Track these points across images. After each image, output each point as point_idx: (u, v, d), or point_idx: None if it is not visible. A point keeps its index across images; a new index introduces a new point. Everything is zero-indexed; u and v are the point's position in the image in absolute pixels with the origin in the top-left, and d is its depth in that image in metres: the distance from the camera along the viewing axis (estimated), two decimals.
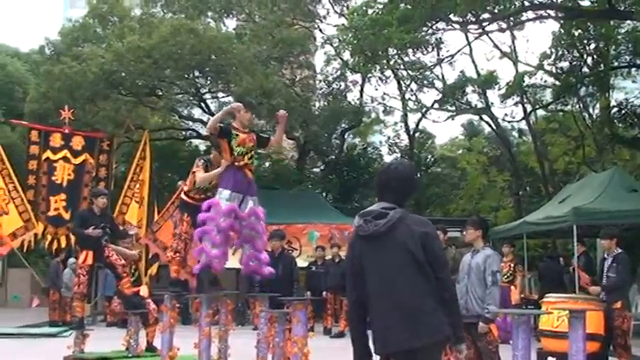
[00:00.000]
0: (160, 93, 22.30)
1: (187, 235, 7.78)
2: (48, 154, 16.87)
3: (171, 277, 8.02)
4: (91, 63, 19.62)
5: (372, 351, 3.79)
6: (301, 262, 15.70)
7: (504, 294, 12.72)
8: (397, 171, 3.86)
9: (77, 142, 17.19)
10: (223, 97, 25.04)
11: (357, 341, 3.79)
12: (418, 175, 4.46)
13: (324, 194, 26.90)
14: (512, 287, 14.06)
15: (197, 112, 26.76)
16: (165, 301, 7.90)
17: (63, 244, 16.88)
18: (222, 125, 7.30)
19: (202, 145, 29.19)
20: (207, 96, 24.89)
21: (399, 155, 31.90)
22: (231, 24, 26.15)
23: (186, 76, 21.68)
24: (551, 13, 19.03)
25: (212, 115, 25.37)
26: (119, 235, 10.43)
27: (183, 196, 8.31)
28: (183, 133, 28.04)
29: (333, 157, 28.85)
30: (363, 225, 3.72)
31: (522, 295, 14.74)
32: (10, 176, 16.51)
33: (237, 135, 7.18)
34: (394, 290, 3.57)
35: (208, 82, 22.77)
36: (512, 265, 14.30)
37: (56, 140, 17.00)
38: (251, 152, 7.27)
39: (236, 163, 7.12)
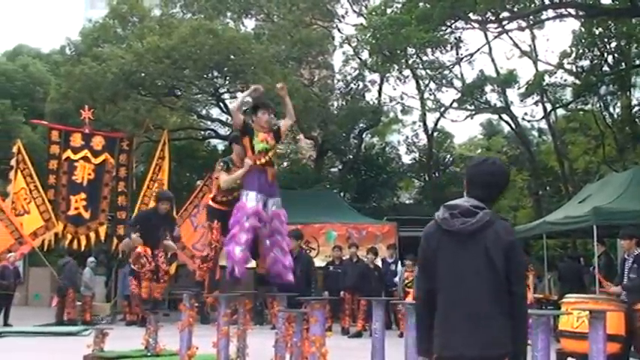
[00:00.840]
0: (179, 93, 22.39)
1: (218, 243, 7.63)
2: (68, 153, 17.02)
3: (197, 279, 7.98)
4: (111, 63, 19.73)
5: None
6: (319, 262, 15.71)
7: None
8: (492, 167, 3.68)
9: (97, 142, 17.34)
10: None
11: (422, 335, 3.69)
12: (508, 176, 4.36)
13: (341, 194, 26.89)
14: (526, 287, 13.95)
15: (215, 112, 26.85)
16: (184, 300, 7.92)
17: (83, 243, 17.02)
18: (247, 122, 7.41)
19: (221, 144, 29.28)
20: (226, 96, 24.93)
21: (417, 155, 31.86)
22: (249, 24, 26.24)
23: (205, 76, 21.75)
24: (572, 11, 18.91)
25: (230, 115, 25.46)
26: (172, 240, 10.67)
27: (210, 202, 8.17)
28: (202, 133, 28.14)
29: (351, 156, 28.84)
30: (448, 219, 3.55)
31: (534, 295, 14.62)
32: (32, 176, 16.70)
33: (257, 132, 7.33)
34: (466, 294, 3.45)
35: (227, 82, 22.83)
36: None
37: (76, 140, 17.14)
38: (272, 150, 7.39)
39: (257, 162, 7.21)
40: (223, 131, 26.81)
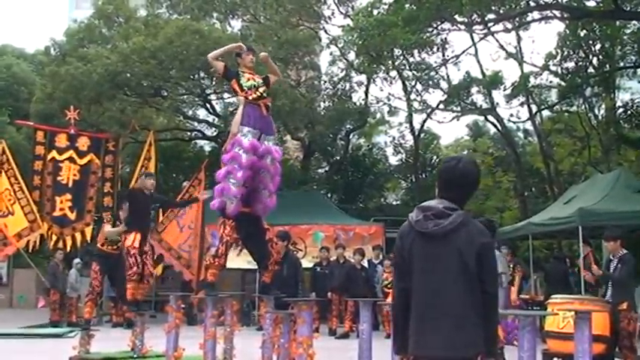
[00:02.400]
0: (165, 94, 22.33)
1: (230, 238, 7.54)
2: (54, 154, 16.92)
3: (207, 279, 7.74)
4: (97, 64, 19.65)
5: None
6: (306, 263, 15.69)
7: (505, 295, 12.72)
8: (463, 168, 3.67)
9: (83, 143, 17.24)
10: (228, 97, 25.05)
11: (398, 333, 3.71)
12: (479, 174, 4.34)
13: (329, 195, 26.90)
14: (512, 288, 14.03)
15: (202, 113, 26.79)
16: (171, 301, 7.90)
17: (69, 244, 16.93)
18: (227, 66, 7.76)
19: (207, 146, 29.24)
20: (213, 97, 24.89)
21: (403, 156, 31.92)
22: (236, 25, 26.19)
23: (191, 76, 21.70)
24: (557, 13, 19.01)
25: (217, 116, 25.47)
26: (176, 205, 10.69)
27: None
28: (188, 133, 28.08)
29: (338, 157, 28.86)
30: (421, 220, 3.59)
31: (520, 296, 14.70)
32: (16, 176, 16.57)
33: (243, 73, 7.64)
34: (439, 296, 3.48)
35: (213, 83, 22.78)
36: (511, 265, 14.27)
37: (62, 141, 17.05)
38: (262, 87, 7.59)
39: (250, 97, 7.43)
40: (210, 132, 26.77)
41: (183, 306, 8.02)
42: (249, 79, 7.52)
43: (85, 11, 33.63)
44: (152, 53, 19.43)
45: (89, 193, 17.22)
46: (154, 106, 23.00)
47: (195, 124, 27.31)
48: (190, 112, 26.43)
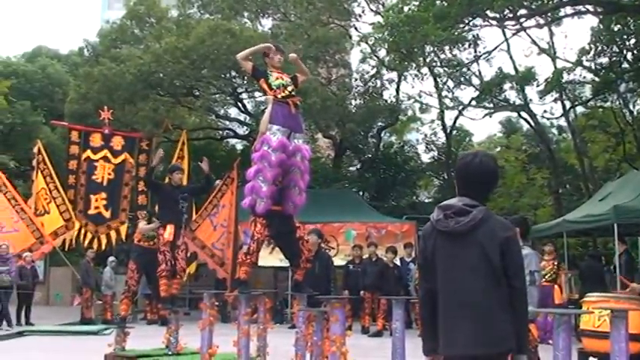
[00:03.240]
0: (197, 93, 22.48)
1: (261, 236, 7.46)
2: (88, 153, 17.14)
3: (240, 277, 7.63)
4: (130, 64, 19.85)
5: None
6: (338, 261, 15.71)
7: (547, 293, 12.56)
8: (481, 164, 3.62)
9: (117, 142, 17.43)
10: (260, 96, 25.13)
11: (426, 334, 3.69)
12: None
13: (360, 193, 26.87)
14: (556, 286, 13.75)
15: (234, 112, 26.95)
16: (205, 299, 7.95)
17: (104, 242, 17.14)
18: (255, 66, 7.69)
19: (239, 144, 29.37)
20: (244, 95, 25.02)
21: (435, 154, 31.76)
22: (267, 24, 26.27)
23: (222, 76, 21.83)
24: (590, 8, 18.76)
25: (248, 114, 25.56)
26: (206, 187, 10.72)
27: None
28: (220, 132, 28.24)
29: (370, 155, 28.80)
30: (442, 219, 3.55)
31: (563, 296, 14.48)
32: (52, 176, 16.82)
33: (271, 72, 7.55)
34: (464, 294, 3.43)
35: (245, 81, 22.88)
36: (554, 263, 14.00)
37: (96, 140, 17.25)
38: (290, 86, 7.52)
39: (278, 96, 7.36)
40: (242, 131, 26.90)
41: (216, 303, 8.06)
42: (277, 78, 7.49)
43: (117, 12, 34.02)
44: (184, 53, 19.57)
45: (124, 191, 17.41)
46: (186, 105, 23.17)
47: (227, 122, 27.48)
48: (222, 111, 26.61)
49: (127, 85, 19.86)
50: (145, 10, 23.62)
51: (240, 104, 25.36)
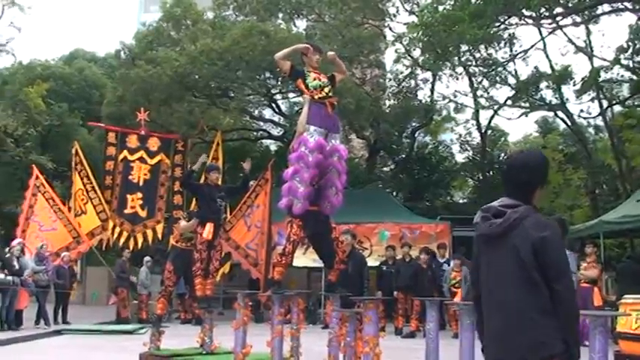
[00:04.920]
0: (232, 94, 22.62)
1: (297, 237, 7.38)
2: (125, 154, 17.33)
3: (274, 278, 7.63)
4: (165, 66, 20.03)
5: None
6: (372, 262, 15.66)
7: (586, 295, 12.39)
8: (518, 160, 3.49)
9: (153, 143, 17.60)
10: (294, 97, 25.24)
11: (480, 336, 3.60)
12: (547, 165, 3.95)
13: (394, 193, 26.79)
14: (596, 288, 13.47)
15: (268, 113, 27.05)
16: (239, 299, 7.98)
17: (140, 241, 17.32)
18: (294, 66, 7.63)
19: (273, 145, 29.47)
20: (278, 97, 25.11)
21: (470, 153, 31.54)
22: (301, 25, 26.36)
23: (257, 77, 21.94)
24: (628, 5, 18.51)
25: (283, 115, 25.64)
26: (242, 187, 10.84)
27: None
28: (255, 133, 28.37)
29: (404, 155, 28.70)
30: (480, 223, 3.47)
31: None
32: (89, 177, 17.07)
33: (309, 72, 7.52)
34: (502, 298, 3.31)
35: (279, 82, 22.97)
36: (595, 265, 13.74)
37: (133, 141, 17.44)
38: (327, 87, 7.48)
39: (315, 97, 7.33)
40: (276, 132, 26.98)
41: (250, 304, 8.09)
42: (315, 79, 7.46)
43: (153, 14, 34.40)
44: (219, 55, 19.70)
45: (160, 191, 17.58)
46: (221, 106, 23.31)
47: (261, 123, 27.59)
48: (256, 112, 26.72)
49: (163, 86, 20.06)
50: (181, 13, 23.82)
51: (274, 105, 25.46)
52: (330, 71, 7.87)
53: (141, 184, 17.32)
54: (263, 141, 29.58)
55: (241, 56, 19.85)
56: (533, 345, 3.22)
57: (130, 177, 17.32)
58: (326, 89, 7.46)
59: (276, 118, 26.70)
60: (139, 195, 17.26)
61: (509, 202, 3.41)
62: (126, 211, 17.14)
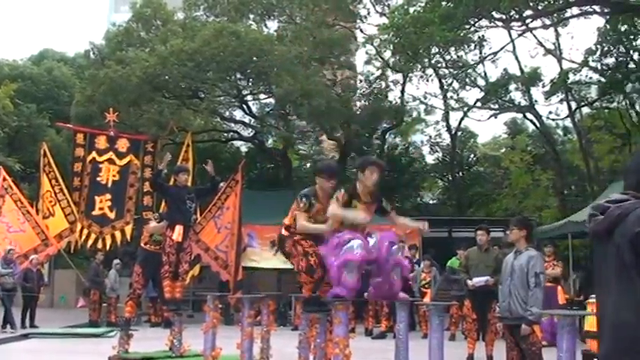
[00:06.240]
0: (203, 95, 22.49)
1: (311, 248, 6.50)
2: (94, 155, 17.15)
3: (305, 295, 6.73)
4: (135, 67, 19.88)
5: None
6: None
7: (551, 294, 12.54)
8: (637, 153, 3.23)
9: (122, 144, 17.44)
10: (264, 98, 25.19)
11: None
12: None
13: None
14: (559, 287, 13.71)
15: (239, 114, 26.94)
16: (208, 301, 7.95)
17: (108, 243, 17.15)
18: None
19: (244, 146, 29.39)
20: (249, 97, 25.02)
21: (440, 155, 31.74)
22: (272, 26, 26.26)
23: (228, 78, 21.85)
24: (597, 8, 18.72)
25: (253, 116, 25.57)
26: (211, 189, 10.72)
27: (283, 230, 6.82)
28: (225, 135, 28.24)
29: (374, 156, 28.74)
30: (587, 220, 3.18)
31: (567, 296, 14.46)
32: (57, 178, 16.88)
33: (359, 200, 6.43)
34: (607, 301, 3.07)
35: (250, 83, 22.90)
36: (555, 264, 13.99)
37: (102, 143, 17.27)
38: (361, 226, 6.45)
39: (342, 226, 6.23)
40: (247, 133, 26.90)
41: (220, 306, 8.06)
42: (360, 214, 6.43)
43: (123, 15, 34.08)
44: (189, 55, 19.61)
45: (129, 193, 17.42)
46: (191, 107, 23.19)
47: (232, 125, 27.47)
48: (227, 113, 26.60)
49: (133, 87, 19.90)
50: (151, 13, 23.67)
51: (245, 106, 25.36)
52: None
53: (109, 185, 17.15)
54: (234, 142, 29.45)
55: (212, 57, 19.76)
56: (626, 351, 2.99)
57: (99, 178, 17.14)
58: (359, 228, 6.45)
59: (247, 119, 26.60)
60: (108, 196, 17.09)
61: (618, 197, 3.12)
62: (94, 213, 16.95)
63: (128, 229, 17.38)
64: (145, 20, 23.78)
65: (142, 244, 11.19)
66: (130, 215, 17.47)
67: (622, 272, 2.96)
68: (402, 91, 27.65)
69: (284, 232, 6.79)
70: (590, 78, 24.57)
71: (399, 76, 26.60)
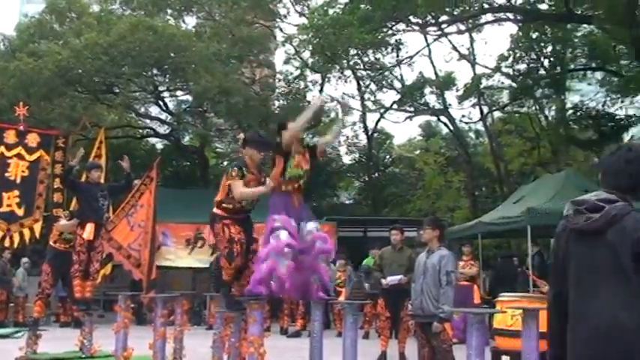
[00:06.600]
0: (117, 90, 22.04)
1: (240, 235, 6.56)
2: (2, 150, 16.54)
3: (225, 280, 6.54)
4: (48, 60, 19.31)
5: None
6: None
7: (466, 293, 12.84)
8: (627, 154, 3.20)
9: (32, 139, 16.83)
10: (182, 95, 24.87)
11: (551, 341, 3.41)
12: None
13: None
14: (475, 286, 14.00)
15: (154, 111, 26.49)
16: (120, 301, 7.80)
17: (16, 241, 16.59)
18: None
19: (160, 143, 28.93)
20: (165, 94, 24.65)
21: (357, 155, 32.05)
22: (190, 22, 25.98)
23: (144, 73, 21.46)
24: (510, 15, 19.32)
25: (170, 113, 25.20)
26: (126, 186, 10.48)
27: (215, 209, 6.72)
28: (140, 131, 27.73)
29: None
30: (571, 215, 3.19)
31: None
32: None
33: (295, 155, 6.37)
34: (593, 302, 3.06)
35: (167, 79, 22.57)
36: (472, 263, 14.32)
37: (10, 137, 16.63)
38: (302, 179, 6.41)
39: (282, 188, 6.31)
40: (162, 130, 26.49)
41: (132, 305, 7.92)
42: (297, 165, 6.37)
43: (36, 6, 32.99)
44: (104, 49, 19.17)
45: (38, 189, 16.84)
46: (105, 102, 22.70)
47: (148, 121, 26.98)
48: (142, 110, 26.10)
49: (45, 81, 19.31)
50: (65, 5, 23.01)
51: (161, 103, 24.97)
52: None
53: (18, 181, 16.54)
54: (149, 139, 28.94)
55: (127, 51, 19.38)
56: (623, 356, 2.99)
57: (7, 174, 16.50)
58: (300, 181, 6.42)
59: (163, 115, 26.18)
60: (16, 193, 16.47)
61: (608, 197, 3.14)
62: (1, 210, 16.31)
63: (37, 227, 16.82)
64: (58, 12, 23.09)
65: (52, 243, 10.89)
66: (39, 212, 16.91)
67: (618, 274, 3.00)
68: (321, 92, 27.75)
69: (215, 209, 6.74)
70: (502, 83, 25.34)
71: (317, 77, 26.72)
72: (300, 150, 6.47)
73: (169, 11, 24.46)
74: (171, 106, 25.81)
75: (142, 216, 16.10)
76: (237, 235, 6.51)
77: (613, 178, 3.21)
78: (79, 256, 9.15)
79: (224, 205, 6.67)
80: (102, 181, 10.20)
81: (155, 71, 21.74)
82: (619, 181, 3.18)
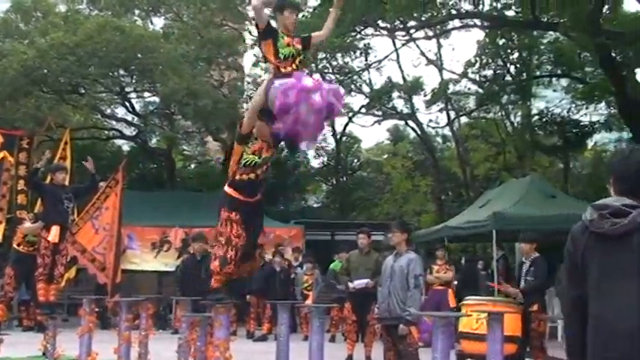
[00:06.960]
0: (83, 91, 21.81)
1: (239, 239, 6.08)
2: None
3: (213, 286, 6.16)
4: (12, 59, 19.04)
5: None
6: None
7: (441, 297, 12.91)
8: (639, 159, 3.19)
9: None
10: (149, 96, 24.67)
11: (571, 346, 3.33)
12: None
13: None
14: (450, 290, 13.95)
15: (121, 112, 26.24)
16: (84, 304, 7.71)
17: None
18: (270, 22, 6.24)
19: (126, 145, 28.69)
20: (132, 95, 24.44)
21: (325, 159, 32.10)
22: (158, 23, 25.79)
23: (110, 74, 21.25)
24: (477, 22, 19.52)
25: (137, 115, 25.00)
26: (91, 188, 10.33)
27: (227, 189, 6.44)
28: (106, 132, 27.46)
29: None
30: (596, 220, 3.15)
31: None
32: None
33: (283, 36, 6.09)
34: (616, 306, 3.05)
35: (134, 80, 22.37)
36: (448, 268, 14.22)
37: None
38: (299, 57, 6.12)
39: (282, 69, 5.95)
40: (129, 131, 26.26)
41: (96, 309, 7.84)
42: (288, 44, 6.08)
43: (1, 4, 32.54)
44: (71, 49, 18.95)
45: (2, 190, 16.66)
46: (70, 103, 22.45)
47: (114, 122, 26.71)
48: (109, 111, 25.83)
49: (9, 80, 19.03)
50: (31, 4, 22.71)
51: (128, 104, 24.75)
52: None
53: None
54: (115, 141, 28.66)
55: (94, 52, 19.17)
56: None
57: None
58: (297, 60, 6.12)
59: (129, 117, 25.95)
60: None
61: (631, 202, 3.12)
62: None
63: (0, 229, 16.62)
64: (24, 11, 22.79)
65: (15, 245, 10.75)
66: (2, 214, 16.70)
67: None
68: None
69: (227, 188, 6.46)
70: (469, 89, 25.63)
71: None
72: (290, 33, 6.20)
73: (137, 12, 24.27)
74: (138, 107, 25.60)
75: (108, 219, 15.95)
76: (235, 239, 6.04)
77: (627, 183, 3.20)
78: (43, 259, 9.05)
79: (237, 177, 6.37)
80: (67, 183, 10.07)
81: (122, 72, 21.54)
82: (634, 185, 3.18)
